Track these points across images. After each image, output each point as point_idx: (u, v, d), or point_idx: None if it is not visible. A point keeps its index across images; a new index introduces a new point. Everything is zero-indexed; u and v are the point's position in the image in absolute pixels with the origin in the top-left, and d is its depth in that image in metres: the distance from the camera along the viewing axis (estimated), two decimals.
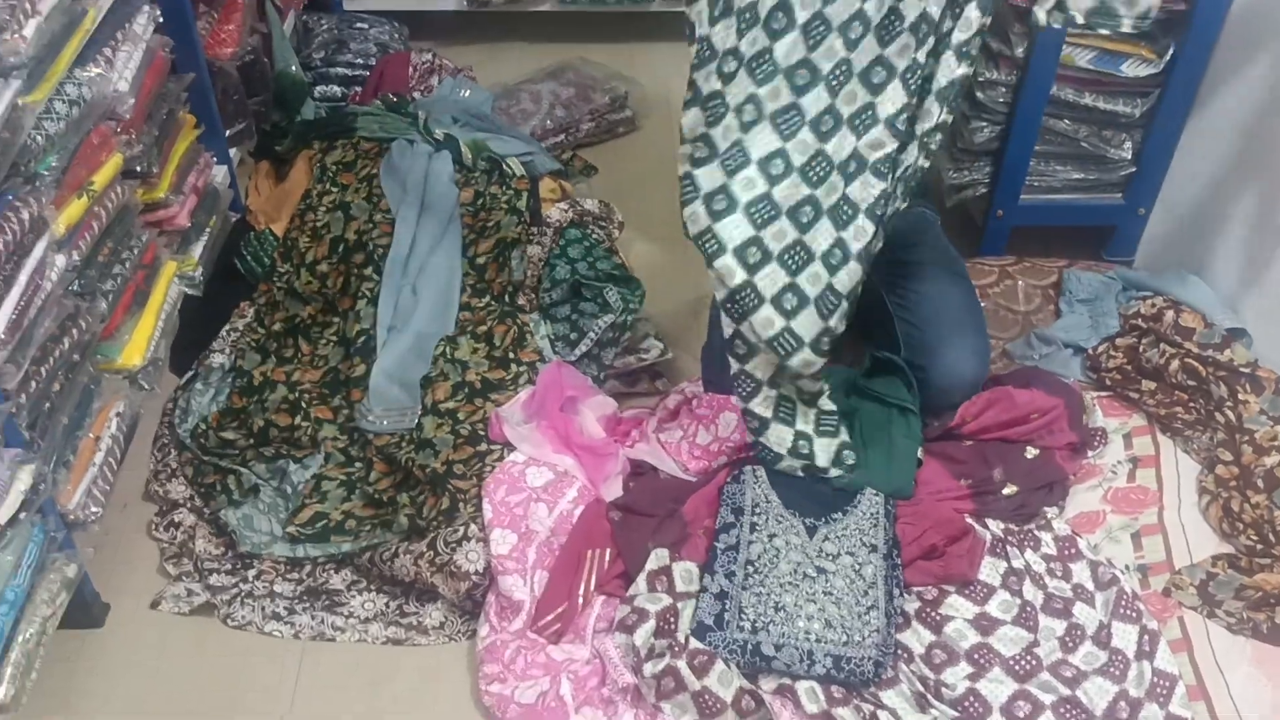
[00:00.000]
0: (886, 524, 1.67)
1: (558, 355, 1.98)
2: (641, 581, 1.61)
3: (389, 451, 1.83)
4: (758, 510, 1.68)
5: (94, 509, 1.61)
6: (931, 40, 1.50)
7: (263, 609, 1.69)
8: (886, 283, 1.88)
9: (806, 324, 1.60)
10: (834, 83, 1.56)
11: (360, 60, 2.78)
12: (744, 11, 1.53)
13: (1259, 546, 1.65)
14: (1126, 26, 1.50)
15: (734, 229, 1.59)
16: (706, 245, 1.60)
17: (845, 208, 1.59)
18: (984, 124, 2.17)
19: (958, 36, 1.51)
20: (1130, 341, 1.97)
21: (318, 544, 1.75)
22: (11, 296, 1.41)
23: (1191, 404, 1.86)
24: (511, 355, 1.97)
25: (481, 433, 1.83)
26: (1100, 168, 2.22)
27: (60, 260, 1.54)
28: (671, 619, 1.55)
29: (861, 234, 1.59)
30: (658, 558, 1.63)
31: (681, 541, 1.66)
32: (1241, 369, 1.82)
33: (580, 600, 1.63)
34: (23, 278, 1.44)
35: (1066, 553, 1.68)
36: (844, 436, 1.76)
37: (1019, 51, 2.07)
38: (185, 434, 1.90)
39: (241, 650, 1.65)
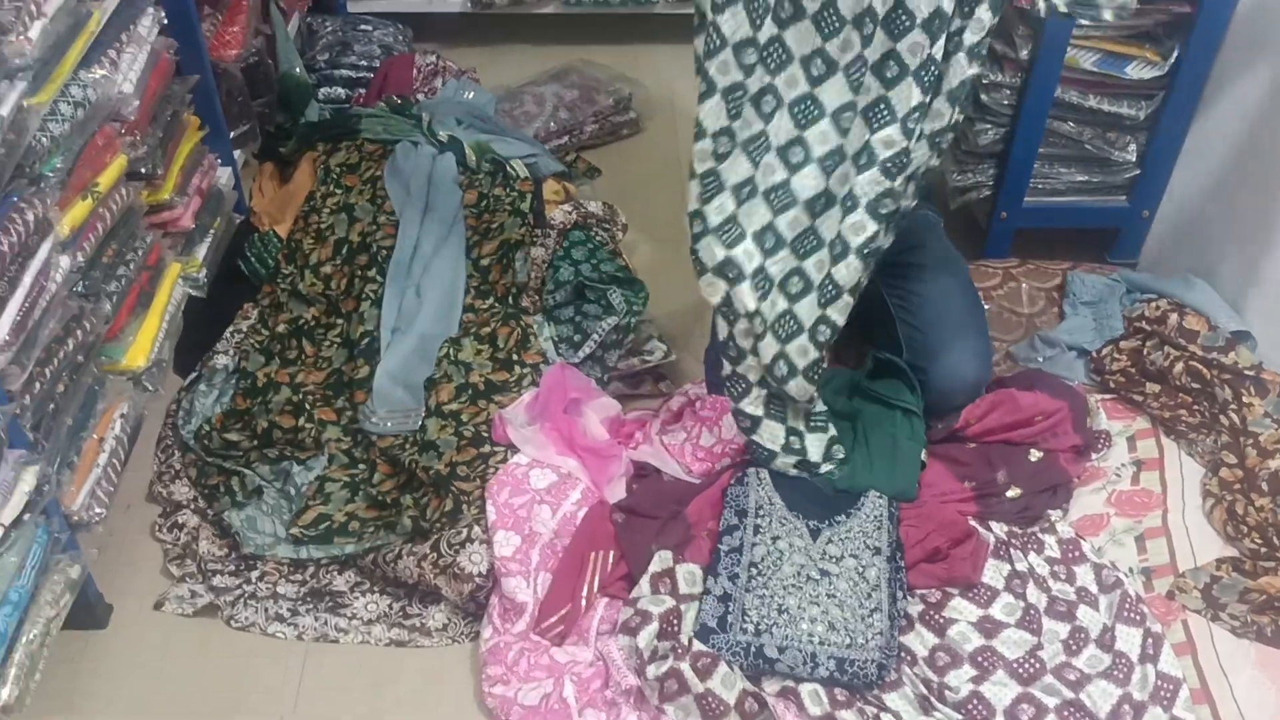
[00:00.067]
0: (890, 526, 1.67)
1: (561, 357, 1.97)
2: (645, 583, 1.61)
3: (393, 453, 1.83)
4: (761, 512, 1.68)
5: (98, 510, 1.61)
6: (944, 37, 1.50)
7: (266, 610, 1.69)
8: (888, 284, 1.88)
9: (806, 309, 1.64)
10: (853, 76, 1.57)
11: (364, 62, 2.78)
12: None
13: (1263, 550, 1.64)
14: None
15: (750, 221, 1.60)
16: (725, 234, 1.62)
17: (848, 201, 1.60)
18: (988, 126, 2.17)
19: (969, 38, 1.51)
20: (1134, 344, 1.97)
21: (321, 545, 1.75)
22: (16, 298, 1.41)
23: (1196, 407, 1.86)
24: (515, 357, 1.97)
25: (485, 434, 1.83)
26: (1104, 170, 2.22)
27: (65, 262, 1.54)
28: (675, 621, 1.55)
29: (860, 229, 1.60)
30: (661, 560, 1.63)
31: (685, 544, 1.66)
32: (1246, 372, 1.82)
33: (583, 602, 1.63)
34: (27, 279, 1.44)
35: (1070, 556, 1.68)
36: (833, 431, 1.77)
37: (1023, 54, 2.06)
38: (189, 435, 1.90)
39: (245, 651, 1.65)
